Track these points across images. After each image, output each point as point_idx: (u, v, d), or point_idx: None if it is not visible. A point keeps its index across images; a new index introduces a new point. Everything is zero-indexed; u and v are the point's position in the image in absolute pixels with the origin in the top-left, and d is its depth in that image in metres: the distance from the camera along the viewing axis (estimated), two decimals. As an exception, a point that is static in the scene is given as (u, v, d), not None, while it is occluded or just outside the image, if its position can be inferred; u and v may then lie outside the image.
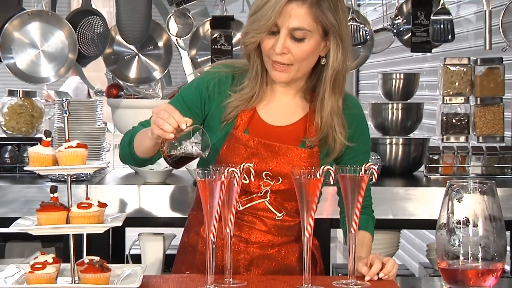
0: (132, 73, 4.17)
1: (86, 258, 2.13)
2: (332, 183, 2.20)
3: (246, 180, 2.25)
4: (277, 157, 2.35)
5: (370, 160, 2.54)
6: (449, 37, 3.91)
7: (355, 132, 2.40)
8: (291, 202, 2.35)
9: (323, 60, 2.33)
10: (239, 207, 2.34)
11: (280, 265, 2.41)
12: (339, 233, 2.54)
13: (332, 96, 2.33)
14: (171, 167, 3.55)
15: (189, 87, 2.46)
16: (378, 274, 2.22)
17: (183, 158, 2.20)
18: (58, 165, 2.16)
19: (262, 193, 2.35)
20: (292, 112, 2.41)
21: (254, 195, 2.36)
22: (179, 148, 2.16)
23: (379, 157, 3.71)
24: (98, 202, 2.16)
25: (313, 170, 2.14)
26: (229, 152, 2.35)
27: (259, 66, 2.35)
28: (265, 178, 2.34)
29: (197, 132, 2.18)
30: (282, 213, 2.38)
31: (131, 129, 2.46)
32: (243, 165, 2.18)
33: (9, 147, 3.76)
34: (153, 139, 2.22)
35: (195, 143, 2.16)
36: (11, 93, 4.04)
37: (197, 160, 2.35)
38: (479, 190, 2.16)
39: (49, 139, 2.18)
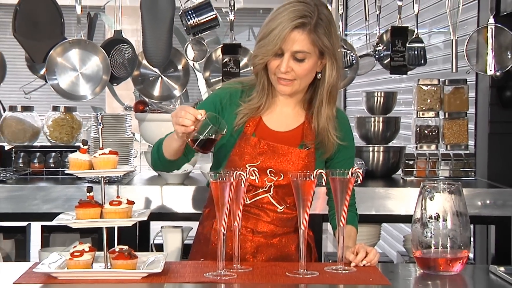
0: (156, 91, 4.18)
1: (117, 247, 2.13)
2: (324, 184, 2.20)
3: (253, 176, 2.26)
4: (279, 156, 2.35)
5: (355, 165, 2.54)
6: (422, 61, 3.91)
7: (344, 139, 2.41)
8: (291, 197, 2.34)
9: (319, 75, 2.34)
10: (246, 201, 2.34)
11: (281, 253, 2.40)
12: (330, 226, 2.55)
13: (327, 105, 2.35)
14: (189, 171, 3.56)
15: (206, 101, 2.47)
16: (362, 261, 2.22)
17: (207, 142, 2.18)
18: (93, 169, 2.16)
19: (267, 187, 2.35)
20: (291, 120, 2.41)
21: (260, 190, 2.36)
22: (201, 136, 2.16)
23: (363, 162, 3.70)
24: (127, 200, 2.16)
25: (308, 173, 2.14)
26: (240, 151, 2.35)
27: (265, 81, 2.36)
28: (269, 174, 2.35)
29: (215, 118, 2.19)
30: (283, 206, 2.38)
31: (157, 141, 2.46)
32: (249, 169, 2.18)
33: (53, 153, 3.77)
34: (179, 140, 2.24)
35: (213, 127, 2.16)
36: (55, 108, 4.05)
37: (209, 164, 2.36)
38: (448, 190, 2.16)
39: (86, 147, 2.19)
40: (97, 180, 3.38)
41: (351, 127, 2.48)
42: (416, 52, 3.88)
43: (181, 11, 3.97)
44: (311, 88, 2.39)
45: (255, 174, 2.21)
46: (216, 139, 2.19)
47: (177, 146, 2.29)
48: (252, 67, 2.37)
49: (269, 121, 2.39)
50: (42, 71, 3.97)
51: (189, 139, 2.19)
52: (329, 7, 3.89)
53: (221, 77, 4.00)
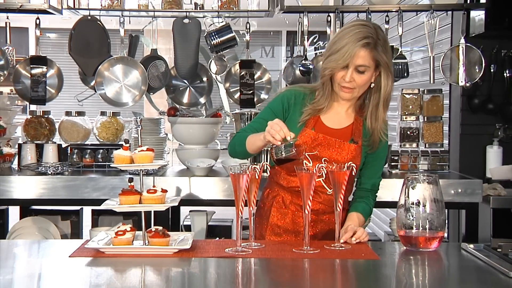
0: (185, 99, 4.18)
1: (153, 228, 2.13)
2: (323, 177, 2.17)
3: (310, 163, 2.32)
4: (333, 148, 2.35)
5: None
6: (405, 74, 3.89)
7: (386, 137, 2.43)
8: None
9: (372, 85, 2.34)
10: None
11: (328, 227, 2.40)
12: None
13: (383, 111, 2.36)
14: (212, 164, 3.56)
15: (275, 100, 2.45)
16: (352, 238, 2.20)
17: (285, 160, 2.17)
18: (134, 163, 2.16)
19: (321, 173, 2.32)
20: (344, 119, 2.41)
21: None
22: (282, 153, 2.14)
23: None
24: (161, 189, 2.16)
25: (310, 166, 2.13)
26: (301, 141, 2.35)
27: (330, 88, 2.36)
28: (323, 162, 2.33)
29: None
30: (331, 190, 2.35)
31: (236, 136, 2.44)
32: (262, 163, 2.17)
33: (101, 150, 3.78)
34: (264, 141, 2.24)
35: (294, 151, 2.14)
36: (103, 113, 4.07)
37: (230, 159, 2.34)
38: (427, 181, 2.15)
39: (127, 145, 2.18)
40: (137, 172, 3.39)
41: (387, 134, 2.46)
42: (400, 67, 3.86)
43: (206, 33, 3.97)
44: (363, 95, 2.39)
45: (267, 169, 2.19)
46: (293, 159, 2.18)
47: (261, 145, 2.30)
48: (321, 77, 2.37)
49: (326, 120, 2.40)
50: (92, 83, 3.99)
51: (272, 151, 2.18)
52: (328, 30, 3.88)
53: (238, 87, 4.00)
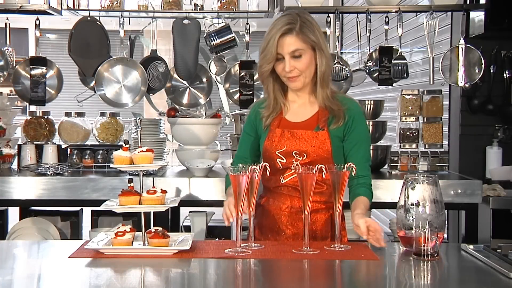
0: (185, 100, 4.18)
1: (152, 228, 2.13)
2: (323, 177, 2.16)
3: (283, 159, 2.33)
4: (299, 139, 2.35)
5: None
6: (405, 75, 3.89)
7: (351, 121, 2.37)
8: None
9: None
10: (282, 181, 2.36)
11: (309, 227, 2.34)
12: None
13: (321, 89, 2.36)
14: (212, 165, 3.56)
15: (246, 120, 2.51)
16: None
17: None
18: (133, 164, 2.16)
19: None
20: (308, 110, 2.41)
21: (292, 171, 2.34)
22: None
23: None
24: (161, 189, 2.16)
25: (310, 167, 2.12)
26: (269, 141, 2.38)
27: (271, 86, 2.38)
28: (294, 156, 2.34)
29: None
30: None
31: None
32: (262, 164, 2.17)
33: (101, 151, 3.78)
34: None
35: None
36: (102, 114, 4.07)
37: (229, 160, 2.33)
38: (426, 181, 2.15)
39: (127, 146, 2.18)
40: (136, 173, 3.39)
41: (361, 115, 2.42)
42: (400, 68, 3.86)
43: (205, 33, 3.97)
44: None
45: (267, 170, 2.19)
46: None
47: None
48: (260, 76, 2.39)
49: (289, 116, 2.41)
50: (92, 83, 3.99)
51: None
52: (327, 30, 3.89)
53: (238, 88, 4.00)
